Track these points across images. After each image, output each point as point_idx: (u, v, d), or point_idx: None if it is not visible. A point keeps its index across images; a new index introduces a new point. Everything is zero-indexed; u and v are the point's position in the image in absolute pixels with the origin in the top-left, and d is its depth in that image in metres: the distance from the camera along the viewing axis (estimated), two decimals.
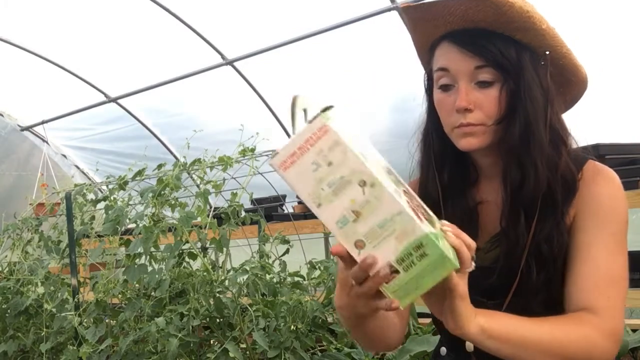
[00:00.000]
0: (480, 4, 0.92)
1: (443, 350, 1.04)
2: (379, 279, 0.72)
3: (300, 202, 4.01)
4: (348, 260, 0.73)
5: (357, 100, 4.39)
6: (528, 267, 0.93)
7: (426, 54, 1.04)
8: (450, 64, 0.96)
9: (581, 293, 0.91)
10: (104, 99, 5.26)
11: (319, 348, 2.40)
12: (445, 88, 0.97)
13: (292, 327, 2.18)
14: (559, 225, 0.94)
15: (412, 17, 1.00)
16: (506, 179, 0.97)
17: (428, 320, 2.68)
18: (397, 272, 0.72)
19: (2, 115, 5.93)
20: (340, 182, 0.70)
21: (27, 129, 6.01)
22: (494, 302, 0.94)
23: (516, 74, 0.94)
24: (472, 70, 0.94)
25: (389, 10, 3.50)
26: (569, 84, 1.03)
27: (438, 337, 1.11)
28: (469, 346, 0.95)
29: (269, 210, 4.04)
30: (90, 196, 3.07)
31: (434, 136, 1.03)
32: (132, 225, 2.60)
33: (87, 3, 4.41)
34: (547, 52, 0.97)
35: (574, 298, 0.92)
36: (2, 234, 3.42)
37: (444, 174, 1.03)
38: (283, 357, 2.13)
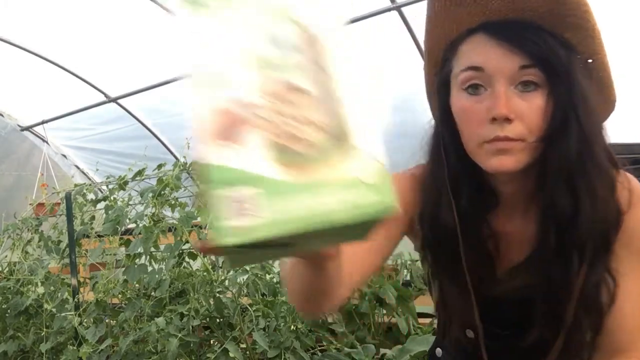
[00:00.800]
0: None
1: (438, 351, 1.03)
2: None
3: None
4: None
5: (358, 101, 4.38)
6: (576, 320, 0.79)
7: (441, 51, 0.86)
8: (487, 61, 0.77)
9: (625, 335, 0.80)
10: (104, 99, 5.26)
11: (319, 348, 2.40)
12: (474, 91, 0.79)
13: (292, 327, 2.17)
14: (611, 267, 0.80)
15: (444, 1, 0.81)
16: (551, 210, 0.78)
17: (428, 320, 2.68)
18: None
19: (2, 115, 5.93)
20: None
21: (27, 129, 6.01)
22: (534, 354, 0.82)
23: (568, 79, 0.76)
24: (516, 71, 0.76)
25: (389, 10, 3.50)
26: (602, 101, 0.86)
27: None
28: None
29: None
30: (90, 196, 3.07)
31: (451, 152, 0.84)
32: (132, 225, 2.60)
33: (87, 3, 4.41)
34: (590, 60, 0.81)
35: (615, 339, 0.80)
36: (2, 234, 3.42)
37: (461, 199, 0.83)
38: (283, 357, 2.13)
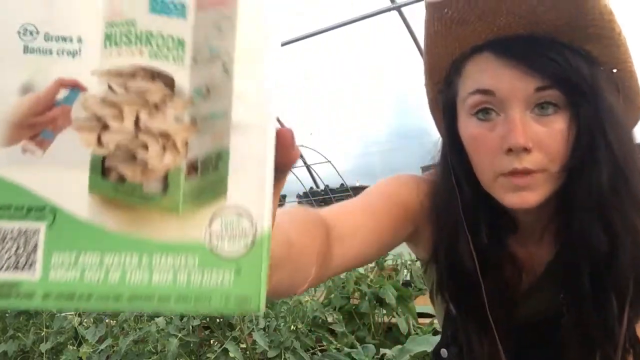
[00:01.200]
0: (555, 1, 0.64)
1: (444, 352, 1.02)
2: None
3: (300, 202, 4.01)
4: None
5: (358, 101, 4.39)
6: None
7: (444, 70, 0.76)
8: (498, 84, 0.67)
9: None
10: None
11: (319, 348, 2.40)
12: (484, 116, 0.69)
13: (292, 327, 2.17)
14: None
15: (447, 18, 0.70)
16: (584, 250, 0.69)
17: (428, 320, 2.68)
18: None
19: None
20: None
21: None
22: None
23: (593, 98, 0.67)
24: (532, 93, 0.66)
25: (389, 10, 3.50)
26: (630, 110, 0.76)
27: (438, 337, 1.09)
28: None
29: None
30: None
31: (462, 183, 0.75)
32: None
33: None
34: (615, 70, 0.72)
35: None
36: None
37: (480, 235, 0.74)
38: (283, 357, 2.13)
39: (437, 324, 2.38)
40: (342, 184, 9.16)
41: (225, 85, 0.35)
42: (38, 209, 0.34)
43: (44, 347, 2.72)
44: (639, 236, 0.68)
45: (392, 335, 2.70)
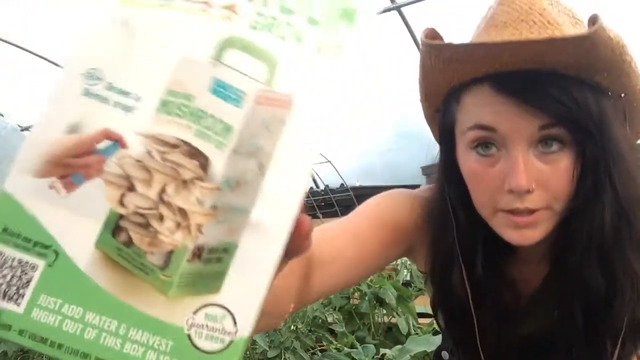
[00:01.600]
0: (569, 44, 0.60)
1: (445, 354, 1.01)
2: None
3: None
4: None
5: (359, 101, 4.39)
6: None
7: (441, 96, 0.73)
8: (500, 122, 0.64)
9: None
10: None
11: (319, 348, 2.40)
12: (484, 151, 0.66)
13: (292, 327, 2.18)
14: None
15: (445, 57, 0.67)
16: (581, 289, 0.68)
17: (428, 321, 2.68)
18: None
19: (2, 115, 5.93)
20: None
21: (27, 129, 6.01)
22: None
23: (600, 136, 0.64)
24: (535, 132, 0.63)
25: (389, 10, 3.50)
26: (633, 134, 0.73)
27: (438, 337, 1.08)
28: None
29: None
30: None
31: (459, 213, 0.72)
32: None
33: (87, 3, 4.41)
34: (623, 95, 0.68)
35: None
36: None
37: (476, 266, 0.72)
38: (283, 357, 2.13)
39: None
40: (342, 184, 9.15)
41: (255, 183, 0.35)
42: (43, 246, 0.35)
43: None
44: (638, 279, 0.66)
45: (392, 335, 2.70)
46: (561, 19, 0.66)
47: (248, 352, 2.29)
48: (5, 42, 4.92)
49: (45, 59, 5.05)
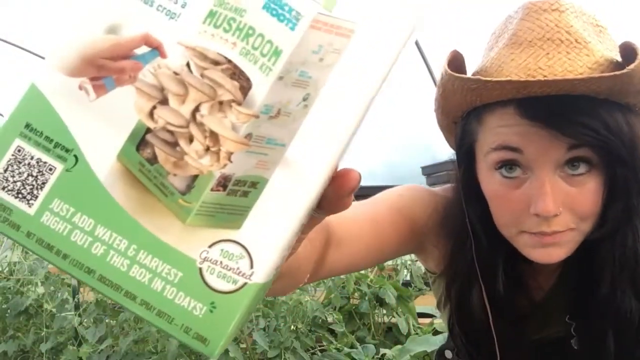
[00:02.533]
0: (610, 79, 0.58)
1: (448, 353, 1.00)
2: None
3: None
4: None
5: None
6: None
7: (460, 112, 0.71)
8: (527, 143, 0.62)
9: None
10: None
11: (319, 348, 2.40)
12: (509, 172, 0.64)
13: (292, 327, 2.17)
14: None
15: (468, 87, 0.64)
16: (612, 312, 0.66)
17: (428, 321, 2.68)
18: None
19: (2, 115, 5.93)
20: None
21: None
22: None
23: (630, 161, 0.62)
24: (563, 154, 0.62)
25: None
26: None
27: (438, 337, 1.08)
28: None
29: None
30: None
31: (478, 232, 0.71)
32: None
33: (87, 3, 4.41)
34: None
35: None
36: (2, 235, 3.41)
37: (497, 284, 0.70)
38: (283, 357, 2.13)
39: (437, 324, 2.38)
40: None
41: (297, 117, 0.32)
42: (64, 149, 0.32)
43: (44, 347, 2.71)
44: None
45: (392, 335, 2.70)
46: (587, 32, 0.64)
47: (248, 352, 2.29)
48: (5, 42, 4.91)
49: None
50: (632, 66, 0.56)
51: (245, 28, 0.32)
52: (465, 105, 0.68)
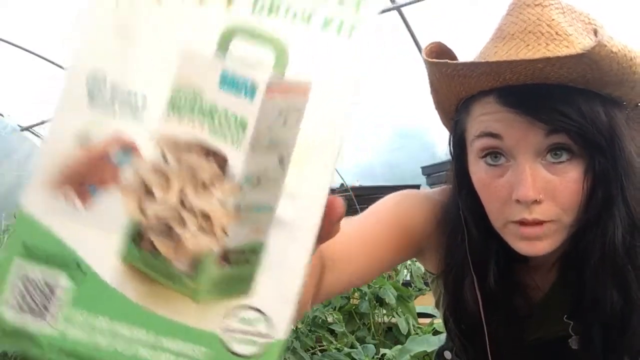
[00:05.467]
0: (569, 61, 0.58)
1: (447, 354, 1.00)
2: None
3: None
4: None
5: (357, 101, 4.38)
6: None
7: (452, 105, 0.73)
8: (507, 129, 0.63)
9: None
10: None
11: (319, 348, 2.40)
12: (493, 161, 0.66)
13: (292, 327, 2.18)
14: None
15: (447, 73, 0.67)
16: (596, 306, 0.67)
17: (428, 321, 2.68)
18: None
19: (2, 115, 5.93)
20: None
21: (27, 129, 6.01)
22: None
23: (611, 149, 0.62)
24: (542, 140, 0.62)
25: (389, 10, 3.50)
26: None
27: (438, 337, 1.07)
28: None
29: None
30: None
31: (470, 224, 0.72)
32: None
33: (87, 3, 4.40)
34: (639, 104, 0.66)
35: None
36: (2, 234, 3.41)
37: (488, 277, 0.71)
38: (283, 357, 2.13)
39: (437, 324, 2.38)
40: (341, 184, 9.15)
41: (277, 179, 0.33)
42: (67, 262, 0.33)
43: None
44: None
45: (392, 335, 2.70)
46: (573, 27, 0.65)
47: None
48: (5, 42, 4.91)
49: (45, 59, 5.05)
50: (589, 46, 0.57)
51: (207, 108, 0.33)
52: (452, 96, 0.70)
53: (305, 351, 2.23)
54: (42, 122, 5.74)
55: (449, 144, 0.76)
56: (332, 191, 0.34)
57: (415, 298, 2.87)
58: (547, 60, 0.59)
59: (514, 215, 0.64)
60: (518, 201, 0.63)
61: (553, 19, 0.64)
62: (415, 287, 3.18)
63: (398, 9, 3.46)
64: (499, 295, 0.72)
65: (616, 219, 0.63)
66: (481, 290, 0.72)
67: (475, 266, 0.72)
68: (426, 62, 0.68)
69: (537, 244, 0.64)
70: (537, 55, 0.61)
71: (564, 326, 0.73)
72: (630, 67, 0.60)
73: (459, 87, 0.68)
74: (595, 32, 0.63)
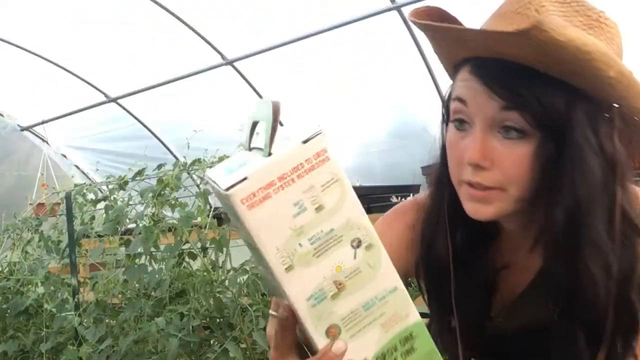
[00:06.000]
0: (510, 38, 0.62)
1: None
2: None
3: None
4: (291, 327, 0.51)
5: (357, 101, 4.38)
6: None
7: (450, 69, 0.77)
8: (470, 97, 0.68)
9: None
10: (104, 99, 5.26)
11: None
12: (460, 126, 0.71)
13: None
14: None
15: (429, 37, 0.75)
16: (550, 281, 0.70)
17: (427, 320, 2.68)
18: None
19: (2, 115, 5.93)
20: (327, 238, 0.48)
21: (27, 129, 6.01)
22: None
23: (561, 132, 0.64)
24: (496, 113, 0.66)
25: (389, 10, 3.50)
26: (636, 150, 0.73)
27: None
28: None
29: None
30: (90, 196, 3.07)
31: (447, 182, 0.75)
32: (132, 225, 2.60)
33: (87, 3, 4.41)
34: (616, 106, 0.67)
35: None
36: (2, 234, 3.42)
37: (457, 231, 0.76)
38: None
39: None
40: None
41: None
42: None
43: (44, 347, 2.71)
44: (599, 285, 0.65)
45: None
46: (568, 18, 0.66)
47: (248, 352, 2.29)
48: (5, 42, 4.91)
49: (45, 59, 5.05)
50: (522, 26, 0.60)
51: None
52: (444, 61, 0.77)
53: None
54: (42, 122, 5.74)
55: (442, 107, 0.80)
56: None
57: (415, 298, 2.87)
58: (485, 32, 0.66)
59: (464, 176, 0.69)
60: (469, 164, 0.68)
61: (543, 5, 0.67)
62: (415, 287, 3.17)
63: (398, 9, 3.46)
64: (466, 252, 0.76)
65: (560, 201, 0.65)
66: (453, 243, 0.76)
67: (450, 221, 0.76)
68: (412, 23, 0.74)
69: (480, 208, 0.69)
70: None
71: (549, 313, 0.73)
72: (590, 60, 0.60)
73: (446, 53, 0.75)
74: (593, 28, 0.66)
